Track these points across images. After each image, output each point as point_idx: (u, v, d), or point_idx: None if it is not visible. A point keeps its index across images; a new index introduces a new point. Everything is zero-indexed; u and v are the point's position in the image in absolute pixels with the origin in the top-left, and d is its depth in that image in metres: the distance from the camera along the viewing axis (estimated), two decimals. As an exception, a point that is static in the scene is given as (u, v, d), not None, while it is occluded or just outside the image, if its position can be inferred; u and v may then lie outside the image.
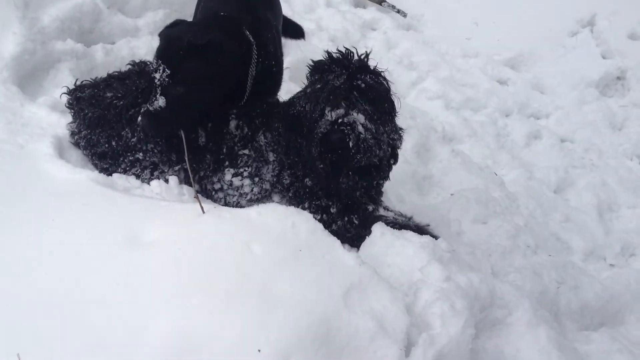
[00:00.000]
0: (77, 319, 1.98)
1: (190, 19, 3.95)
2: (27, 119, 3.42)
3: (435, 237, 3.18)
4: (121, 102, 3.20)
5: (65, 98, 3.45)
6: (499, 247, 3.75)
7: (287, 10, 6.86)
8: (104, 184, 2.87)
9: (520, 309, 2.80)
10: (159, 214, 2.58)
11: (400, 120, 4.77)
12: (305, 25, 6.83)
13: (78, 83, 3.48)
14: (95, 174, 2.93)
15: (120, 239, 2.31)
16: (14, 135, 3.21)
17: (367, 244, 2.91)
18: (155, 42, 4.65)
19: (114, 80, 3.40)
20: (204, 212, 2.46)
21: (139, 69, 3.50)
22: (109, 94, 3.27)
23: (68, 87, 3.47)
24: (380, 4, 7.95)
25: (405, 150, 4.55)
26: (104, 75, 3.49)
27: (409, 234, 2.91)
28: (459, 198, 4.16)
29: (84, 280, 2.12)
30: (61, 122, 3.43)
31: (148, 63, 3.53)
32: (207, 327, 1.95)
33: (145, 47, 4.56)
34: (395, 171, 4.23)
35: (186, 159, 2.68)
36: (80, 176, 2.88)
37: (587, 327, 3.39)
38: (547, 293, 3.37)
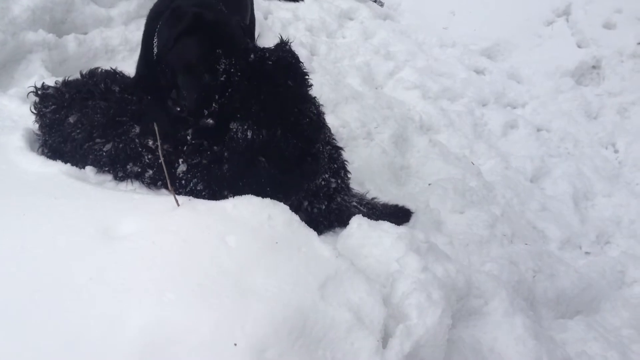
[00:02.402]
0: (52, 316, 1.94)
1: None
2: (-3, 111, 3.36)
3: (409, 211, 3.22)
4: (79, 135, 3.00)
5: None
6: (476, 237, 3.77)
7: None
8: (77, 177, 2.82)
9: (497, 299, 2.82)
10: (133, 207, 2.54)
11: (377, 110, 4.80)
12: (282, 14, 6.83)
13: (45, 84, 3.26)
14: (68, 167, 2.87)
15: (94, 232, 2.27)
16: (-16, 128, 3.15)
17: (344, 235, 2.89)
18: (129, 32, 4.63)
19: (78, 95, 3.11)
20: (178, 204, 2.43)
21: (104, 89, 3.14)
22: (70, 119, 3.04)
23: (36, 92, 3.23)
24: (358, -7, 7.93)
25: (383, 141, 4.56)
26: (76, 66, 3.39)
27: (385, 225, 2.90)
28: (437, 188, 4.18)
29: (58, 275, 2.08)
30: (33, 115, 3.37)
31: (118, 74, 3.30)
32: (182, 321, 1.92)
33: (119, 38, 4.51)
34: (373, 162, 4.25)
35: (160, 152, 2.63)
36: (52, 169, 2.82)
37: (563, 315, 3.44)
38: (524, 282, 3.40)
